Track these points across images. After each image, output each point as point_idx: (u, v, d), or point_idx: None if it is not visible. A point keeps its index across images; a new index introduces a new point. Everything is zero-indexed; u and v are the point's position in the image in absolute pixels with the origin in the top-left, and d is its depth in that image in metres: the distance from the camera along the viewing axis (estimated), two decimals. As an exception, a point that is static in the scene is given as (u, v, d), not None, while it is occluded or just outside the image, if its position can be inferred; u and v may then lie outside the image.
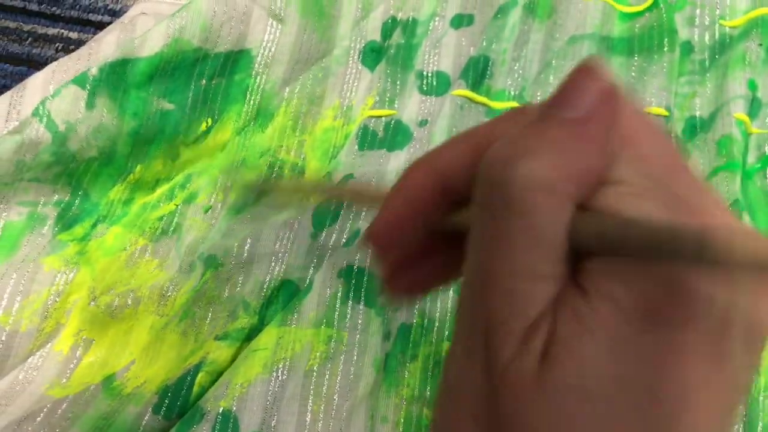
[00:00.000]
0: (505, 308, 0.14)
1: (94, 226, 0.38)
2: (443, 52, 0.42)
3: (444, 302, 0.36)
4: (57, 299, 0.36)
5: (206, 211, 0.39)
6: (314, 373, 0.33)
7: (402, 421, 0.34)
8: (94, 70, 0.37)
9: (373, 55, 0.42)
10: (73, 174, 0.37)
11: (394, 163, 0.39)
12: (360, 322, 0.35)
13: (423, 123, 0.40)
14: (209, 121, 0.41)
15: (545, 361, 0.13)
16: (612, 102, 0.14)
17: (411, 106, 0.41)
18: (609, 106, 0.14)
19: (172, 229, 0.38)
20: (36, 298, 0.36)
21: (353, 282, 0.35)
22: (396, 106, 0.41)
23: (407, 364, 0.35)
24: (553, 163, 0.14)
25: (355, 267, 0.35)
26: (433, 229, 0.18)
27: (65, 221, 0.37)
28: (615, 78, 0.14)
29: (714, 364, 0.13)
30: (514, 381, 0.14)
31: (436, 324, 0.36)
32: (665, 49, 0.41)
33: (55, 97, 0.36)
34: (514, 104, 0.40)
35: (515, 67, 0.41)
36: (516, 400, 0.14)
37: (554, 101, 0.14)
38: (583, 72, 0.14)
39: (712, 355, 0.13)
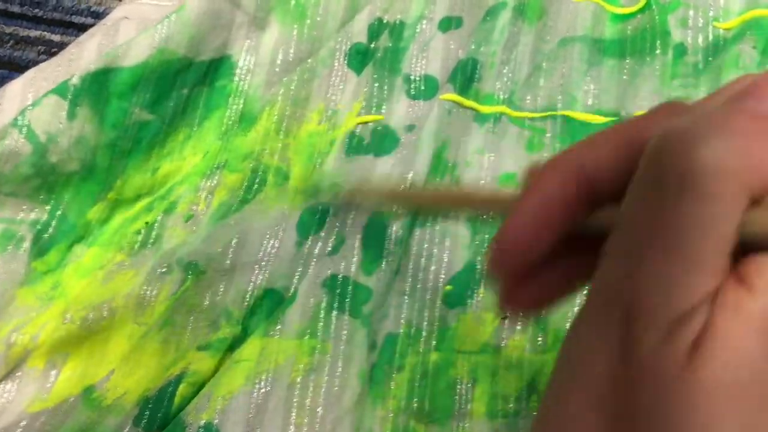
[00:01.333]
0: (657, 296, 0.13)
1: (70, 248, 0.37)
2: (431, 55, 0.41)
3: (431, 311, 0.36)
4: (26, 325, 0.35)
5: (187, 220, 0.38)
6: (298, 386, 0.33)
7: (388, 433, 0.34)
8: (75, 80, 0.36)
9: (359, 57, 0.42)
10: (53, 188, 0.36)
11: (381, 169, 0.38)
12: (344, 332, 0.34)
13: (410, 128, 0.39)
14: (187, 130, 0.40)
15: (697, 355, 0.13)
16: None
17: (398, 111, 0.40)
18: None
19: (151, 241, 0.38)
20: (3, 326, 0.35)
21: (337, 292, 0.34)
22: (383, 110, 0.40)
23: (394, 375, 0.35)
24: (739, 151, 0.13)
25: (339, 276, 0.35)
26: (569, 233, 0.17)
27: (41, 245, 0.36)
28: None
29: None
30: (656, 372, 0.13)
31: (424, 333, 0.35)
32: (658, 51, 0.40)
33: (35, 106, 0.36)
34: (504, 109, 0.40)
35: (504, 71, 0.40)
36: (657, 392, 0.13)
37: (744, 93, 0.14)
38: None
39: None
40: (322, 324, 0.34)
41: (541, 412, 0.16)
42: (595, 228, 0.16)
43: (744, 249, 0.14)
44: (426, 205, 0.26)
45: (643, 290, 0.14)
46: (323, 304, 0.34)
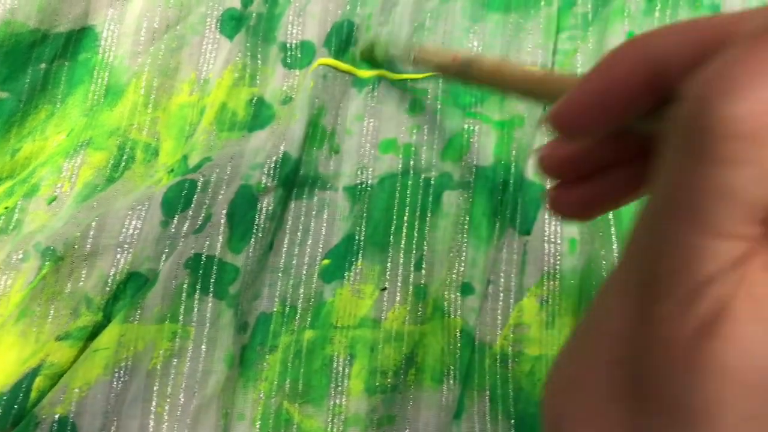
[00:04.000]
0: (676, 259, 0.12)
1: None
2: (308, 20, 0.39)
3: (307, 288, 0.34)
4: None
5: (50, 203, 0.36)
6: (158, 373, 0.31)
7: (259, 417, 0.32)
8: None
9: (232, 23, 0.39)
10: None
11: (255, 143, 0.36)
12: (208, 315, 0.32)
13: (287, 100, 0.37)
14: (50, 108, 0.37)
15: (710, 332, 0.12)
16: None
17: (274, 82, 0.38)
18: None
19: (11, 227, 0.35)
20: None
21: (200, 272, 0.32)
22: (257, 81, 0.38)
23: (266, 356, 0.33)
24: (761, 107, 0.11)
25: (203, 256, 0.33)
26: (626, 126, 0.16)
27: None
28: None
29: None
30: (668, 343, 0.12)
31: (299, 311, 0.34)
32: (542, 3, 0.38)
33: None
34: (383, 72, 0.38)
35: (383, 32, 0.38)
36: (667, 364, 0.12)
37: None
38: None
39: None
40: (183, 307, 0.32)
41: (560, 360, 0.16)
42: (655, 131, 0.15)
43: None
44: (483, 77, 0.25)
45: (668, 251, 0.13)
46: (185, 286, 0.32)
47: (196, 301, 0.32)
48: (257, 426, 0.32)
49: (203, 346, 0.32)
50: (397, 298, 0.34)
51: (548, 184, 0.17)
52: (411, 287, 0.34)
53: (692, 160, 0.12)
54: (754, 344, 0.12)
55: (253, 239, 0.33)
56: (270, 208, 0.34)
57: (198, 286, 0.32)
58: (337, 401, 0.32)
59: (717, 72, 0.12)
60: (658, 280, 0.13)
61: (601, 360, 0.14)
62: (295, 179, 0.35)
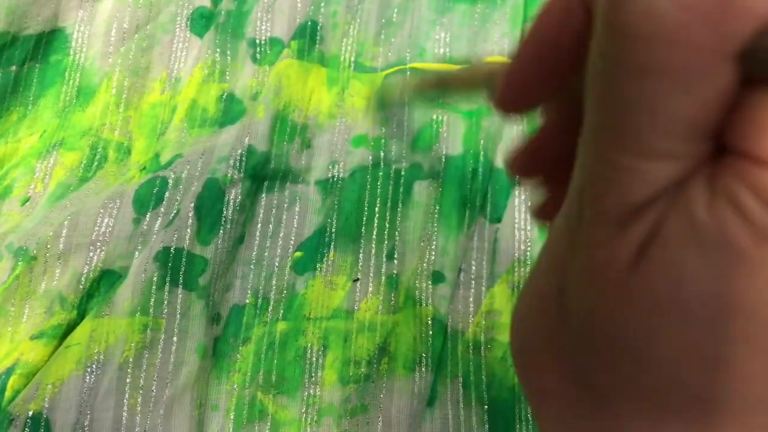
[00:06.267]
0: (603, 183, 0.11)
1: None
2: (276, 17, 0.39)
3: (279, 280, 0.34)
4: None
5: (23, 204, 0.36)
6: (130, 365, 0.31)
7: (234, 408, 0.32)
8: None
9: (202, 21, 0.40)
10: None
11: (225, 138, 0.36)
12: (179, 306, 0.32)
13: (257, 95, 0.38)
14: (21, 110, 0.38)
15: (641, 259, 0.11)
16: None
17: (244, 78, 0.38)
18: None
19: (-16, 227, 0.36)
20: None
21: (170, 265, 0.33)
22: (227, 77, 0.38)
23: (240, 348, 0.33)
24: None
25: (172, 248, 0.33)
26: (577, 82, 0.14)
27: None
28: None
29: None
30: (601, 271, 0.11)
31: (271, 303, 0.34)
32: (508, -6, 0.39)
33: None
34: (350, 73, 0.38)
35: (350, 30, 0.38)
36: (602, 294, 0.11)
37: None
38: None
39: None
40: (154, 300, 0.32)
41: (517, 302, 0.15)
42: None
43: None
44: (463, 85, 0.24)
45: (597, 174, 0.11)
46: (155, 279, 0.32)
47: (166, 294, 0.32)
48: (231, 417, 0.32)
49: (174, 338, 0.32)
50: (370, 289, 0.34)
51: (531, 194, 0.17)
52: (383, 277, 0.34)
53: (609, 68, 0.11)
54: (686, 270, 0.10)
55: (221, 231, 0.34)
56: (238, 200, 0.34)
57: (167, 279, 0.32)
58: (311, 392, 0.33)
59: None
60: (589, 206, 0.12)
61: (540, 294, 0.13)
62: (264, 173, 0.35)
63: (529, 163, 0.17)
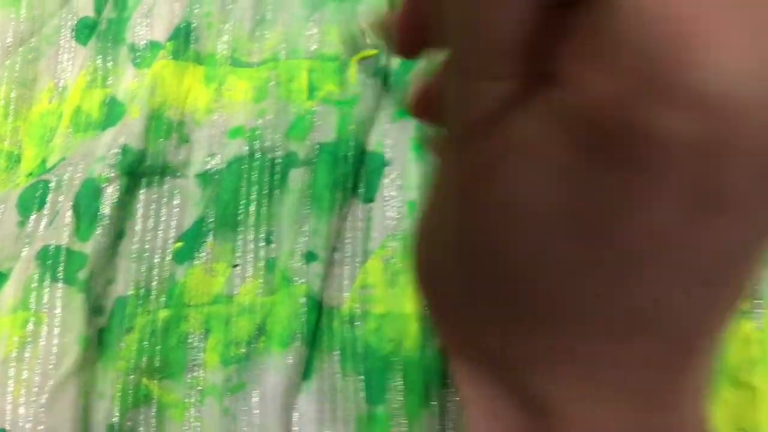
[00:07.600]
0: (453, 103, 0.12)
1: None
2: (155, 21, 0.41)
3: (161, 270, 0.36)
4: None
5: None
6: (13, 360, 0.33)
7: (119, 393, 0.34)
8: None
9: (86, 31, 0.41)
10: None
11: (106, 139, 0.38)
12: (59, 300, 0.34)
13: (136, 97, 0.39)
14: None
15: (494, 175, 0.12)
16: None
17: (125, 82, 0.40)
18: None
19: None
20: None
21: (49, 262, 0.34)
22: (109, 82, 0.40)
23: (123, 337, 0.35)
24: None
25: (51, 246, 0.35)
26: None
27: None
28: None
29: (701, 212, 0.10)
30: (466, 188, 0.12)
31: (153, 293, 0.36)
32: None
33: None
34: (226, 70, 0.40)
35: (224, 28, 0.40)
36: (471, 209, 0.12)
37: None
38: None
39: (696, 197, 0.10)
40: (34, 295, 0.34)
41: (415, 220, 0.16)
42: None
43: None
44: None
45: (448, 98, 0.12)
46: (35, 276, 0.34)
47: (46, 289, 0.34)
48: (117, 403, 0.34)
49: (56, 330, 0.34)
50: (249, 273, 0.36)
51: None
52: (262, 262, 0.36)
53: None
54: (518, 183, 0.11)
55: (100, 227, 0.35)
56: (115, 197, 0.36)
57: (48, 275, 0.34)
58: (195, 374, 0.34)
59: None
60: (450, 125, 0.13)
61: (432, 214, 0.14)
62: (141, 169, 0.37)
63: (426, 103, 0.18)
